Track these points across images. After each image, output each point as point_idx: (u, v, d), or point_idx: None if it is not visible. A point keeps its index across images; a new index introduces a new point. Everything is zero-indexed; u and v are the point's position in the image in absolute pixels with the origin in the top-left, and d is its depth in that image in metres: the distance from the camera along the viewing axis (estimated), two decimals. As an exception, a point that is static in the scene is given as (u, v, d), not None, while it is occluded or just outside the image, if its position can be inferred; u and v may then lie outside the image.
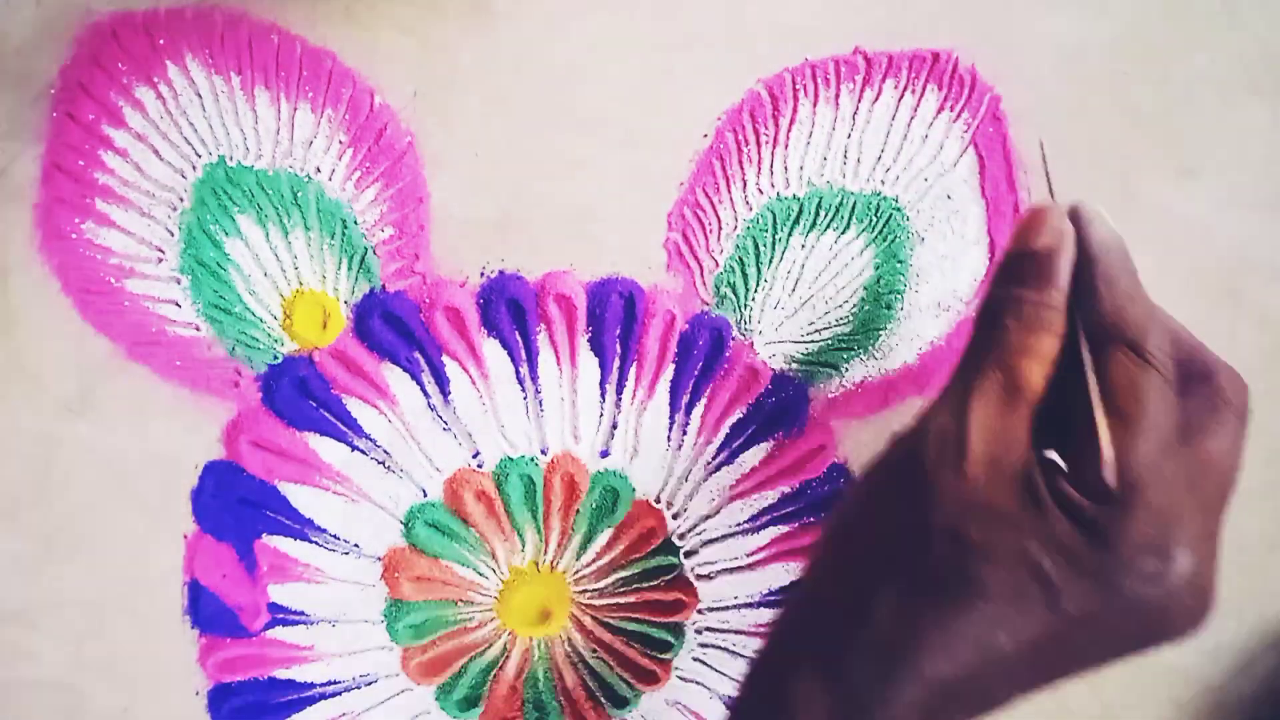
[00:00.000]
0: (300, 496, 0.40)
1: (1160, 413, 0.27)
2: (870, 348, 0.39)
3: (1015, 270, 0.30)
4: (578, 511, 0.40)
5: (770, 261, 0.38)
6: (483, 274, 0.38)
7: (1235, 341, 0.39)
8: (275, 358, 0.39)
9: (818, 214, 0.38)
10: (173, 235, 0.38)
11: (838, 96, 0.37)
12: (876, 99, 0.37)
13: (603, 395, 0.39)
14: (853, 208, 0.38)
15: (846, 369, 0.39)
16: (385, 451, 0.40)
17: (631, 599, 0.41)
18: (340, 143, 0.37)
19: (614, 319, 0.39)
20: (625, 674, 0.42)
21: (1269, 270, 0.39)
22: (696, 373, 0.39)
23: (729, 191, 0.38)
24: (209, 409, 0.39)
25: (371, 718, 0.42)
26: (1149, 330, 0.29)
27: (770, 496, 0.40)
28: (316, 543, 0.40)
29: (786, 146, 0.37)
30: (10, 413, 0.39)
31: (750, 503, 0.41)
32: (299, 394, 0.39)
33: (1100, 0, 0.37)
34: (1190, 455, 0.28)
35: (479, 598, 0.41)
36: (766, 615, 0.41)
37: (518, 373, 0.39)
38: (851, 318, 0.39)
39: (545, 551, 0.41)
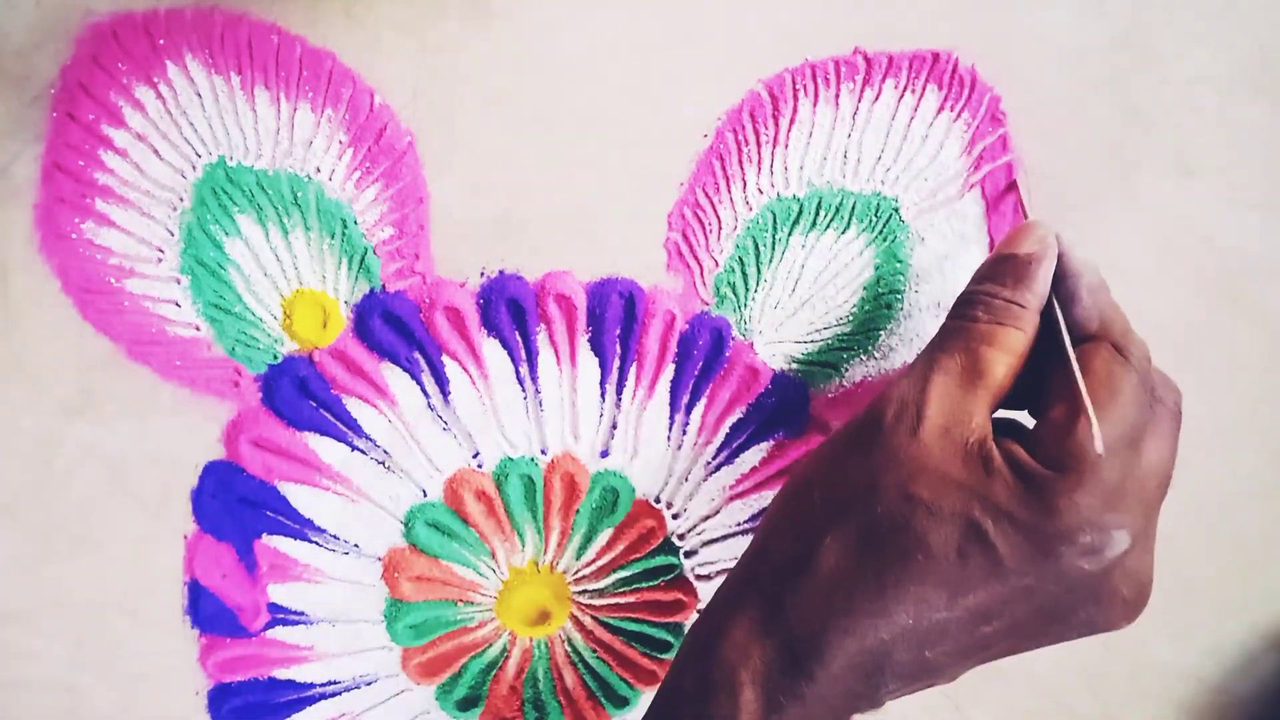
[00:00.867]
0: (300, 496, 0.40)
1: (1130, 406, 0.29)
2: (870, 348, 0.39)
3: (995, 269, 0.32)
4: (578, 511, 0.40)
5: (770, 261, 0.38)
6: (483, 274, 0.38)
7: (1235, 341, 0.39)
8: (275, 358, 0.39)
9: (818, 214, 0.38)
10: (173, 235, 0.38)
11: (838, 96, 0.37)
12: (876, 99, 0.37)
13: (603, 395, 0.39)
14: (853, 208, 0.38)
15: (846, 369, 0.39)
16: (385, 451, 0.40)
17: (631, 599, 0.41)
18: (340, 143, 0.37)
19: (614, 319, 0.39)
20: (625, 674, 0.42)
21: (1269, 270, 0.39)
22: (696, 373, 0.39)
23: (729, 191, 0.38)
24: (209, 409, 0.39)
25: (371, 718, 0.42)
26: (1131, 337, 0.31)
27: (770, 497, 0.40)
28: (316, 543, 0.40)
29: (786, 146, 0.37)
30: (10, 413, 0.39)
31: (750, 503, 0.41)
32: (299, 394, 0.39)
33: (1100, 0, 0.37)
34: (1136, 454, 0.29)
35: (479, 598, 0.41)
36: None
37: (518, 373, 0.39)
38: (851, 318, 0.39)
39: (545, 551, 0.41)
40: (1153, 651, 0.42)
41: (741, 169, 0.38)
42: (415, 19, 0.36)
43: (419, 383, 0.39)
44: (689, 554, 0.41)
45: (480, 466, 0.40)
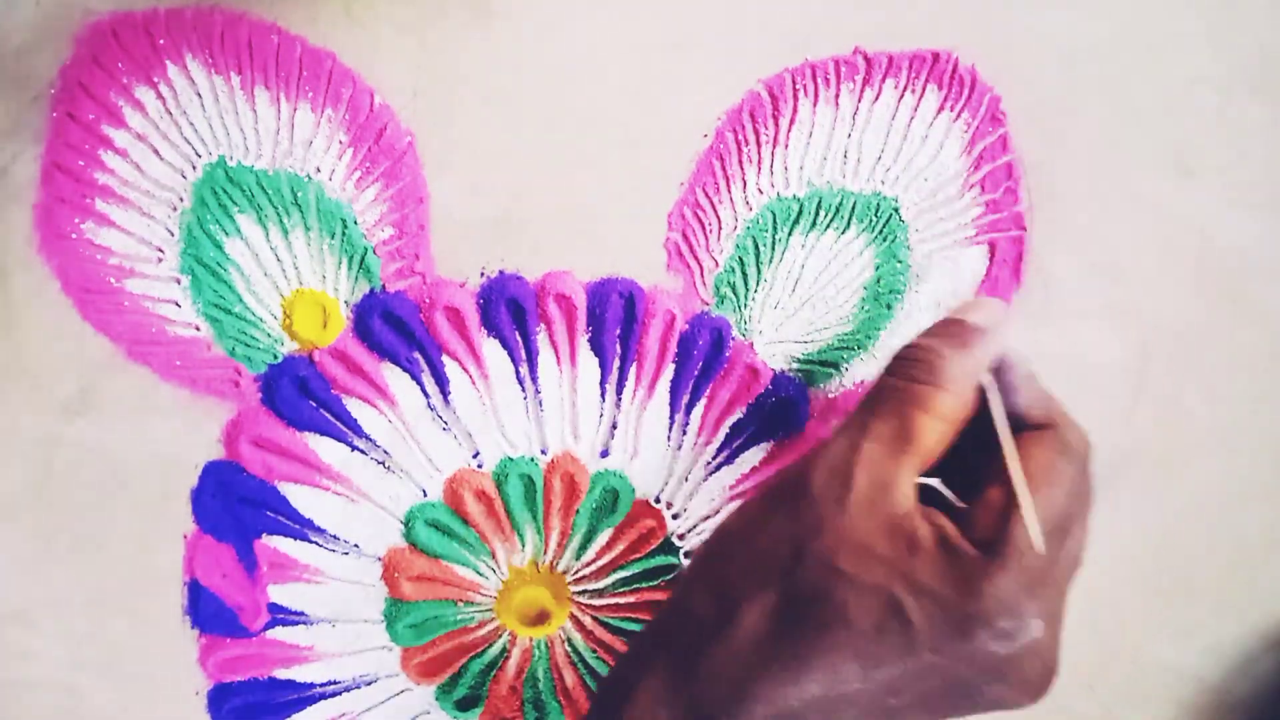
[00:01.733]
0: (300, 496, 0.40)
1: (1064, 498, 0.29)
2: (870, 348, 0.39)
3: (940, 330, 0.31)
4: (578, 511, 0.40)
5: (770, 261, 0.38)
6: (483, 274, 0.38)
7: (1235, 341, 0.39)
8: (275, 358, 0.39)
9: (818, 214, 0.38)
10: (173, 235, 0.38)
11: (838, 96, 0.37)
12: (876, 99, 0.37)
13: (603, 395, 0.39)
14: (853, 208, 0.38)
15: (846, 369, 0.39)
16: (385, 451, 0.40)
17: (631, 599, 0.41)
18: (340, 143, 0.37)
19: (614, 319, 0.39)
20: (625, 674, 0.42)
21: (1269, 270, 0.39)
22: (696, 373, 0.39)
23: (729, 191, 0.38)
24: (209, 409, 0.39)
25: (371, 718, 0.42)
26: (1073, 426, 0.31)
27: (770, 496, 0.40)
28: (316, 543, 0.40)
29: (786, 146, 0.37)
30: (10, 413, 0.39)
31: (750, 503, 0.41)
32: (299, 394, 0.39)
33: (1100, 0, 0.37)
34: (1061, 543, 0.29)
35: (479, 597, 0.41)
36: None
37: (518, 373, 0.39)
38: (851, 318, 0.39)
39: (545, 551, 0.41)
40: (1153, 651, 0.42)
41: (741, 169, 0.38)
42: (415, 19, 0.36)
43: (419, 383, 0.39)
44: (689, 554, 0.41)
45: (480, 466, 0.40)
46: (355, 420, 0.39)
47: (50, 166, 0.37)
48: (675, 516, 0.41)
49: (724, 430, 0.40)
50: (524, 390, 0.39)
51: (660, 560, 0.41)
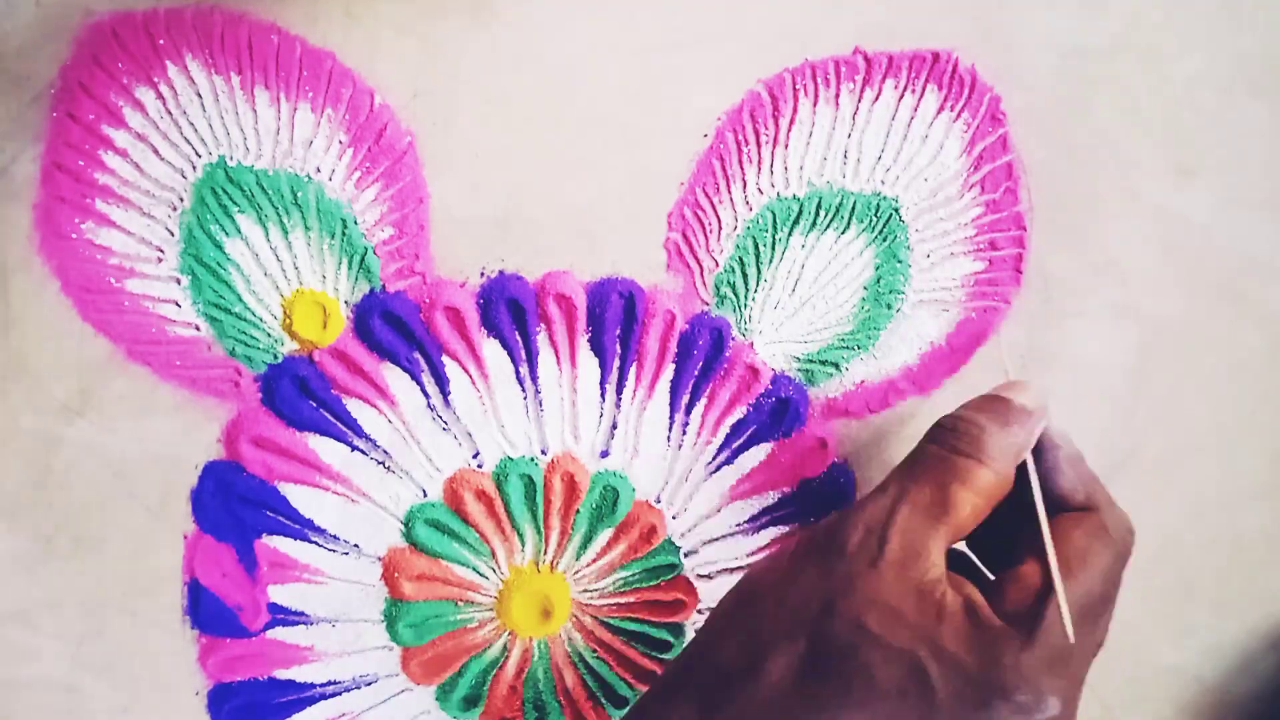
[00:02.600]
0: (300, 496, 0.40)
1: (1098, 583, 0.29)
2: (870, 347, 0.39)
3: (986, 405, 0.32)
4: (578, 511, 0.40)
5: (770, 261, 0.38)
6: (483, 274, 0.38)
7: (1235, 341, 0.39)
8: (275, 358, 0.39)
9: (818, 214, 0.38)
10: (173, 235, 0.38)
11: (838, 96, 0.37)
12: (876, 99, 0.37)
13: (603, 395, 0.39)
14: (853, 208, 0.38)
15: (846, 369, 0.39)
16: (385, 451, 0.40)
17: (631, 599, 0.41)
18: (340, 143, 0.37)
19: (614, 319, 0.39)
20: (625, 674, 0.42)
21: (1269, 270, 0.39)
22: (696, 373, 0.39)
23: (729, 191, 0.38)
24: (209, 409, 0.39)
25: (371, 718, 0.42)
26: (1115, 510, 0.31)
27: (770, 497, 0.40)
28: (316, 543, 0.40)
29: (786, 146, 0.37)
30: (10, 413, 0.39)
31: (750, 503, 0.41)
32: (299, 394, 0.39)
33: (1100, 0, 0.37)
34: (1091, 628, 0.29)
35: (479, 598, 0.41)
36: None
37: (518, 373, 0.39)
38: (851, 317, 0.39)
39: (545, 551, 0.41)
40: (1153, 651, 0.42)
41: (741, 169, 0.38)
42: (415, 19, 0.36)
43: (419, 383, 0.39)
44: (689, 554, 0.41)
45: (480, 466, 0.40)
46: (355, 420, 0.39)
47: (50, 166, 0.37)
48: (675, 516, 0.41)
49: (724, 430, 0.40)
50: (524, 390, 0.39)
51: (660, 560, 0.41)
